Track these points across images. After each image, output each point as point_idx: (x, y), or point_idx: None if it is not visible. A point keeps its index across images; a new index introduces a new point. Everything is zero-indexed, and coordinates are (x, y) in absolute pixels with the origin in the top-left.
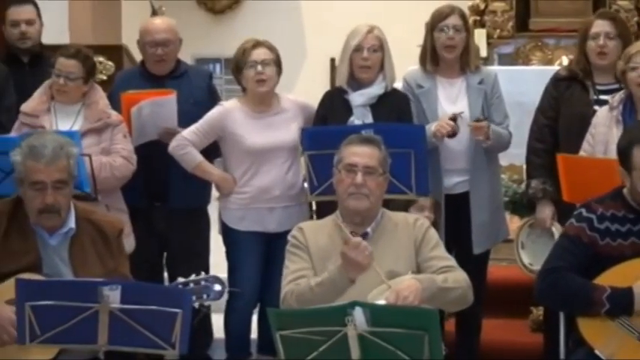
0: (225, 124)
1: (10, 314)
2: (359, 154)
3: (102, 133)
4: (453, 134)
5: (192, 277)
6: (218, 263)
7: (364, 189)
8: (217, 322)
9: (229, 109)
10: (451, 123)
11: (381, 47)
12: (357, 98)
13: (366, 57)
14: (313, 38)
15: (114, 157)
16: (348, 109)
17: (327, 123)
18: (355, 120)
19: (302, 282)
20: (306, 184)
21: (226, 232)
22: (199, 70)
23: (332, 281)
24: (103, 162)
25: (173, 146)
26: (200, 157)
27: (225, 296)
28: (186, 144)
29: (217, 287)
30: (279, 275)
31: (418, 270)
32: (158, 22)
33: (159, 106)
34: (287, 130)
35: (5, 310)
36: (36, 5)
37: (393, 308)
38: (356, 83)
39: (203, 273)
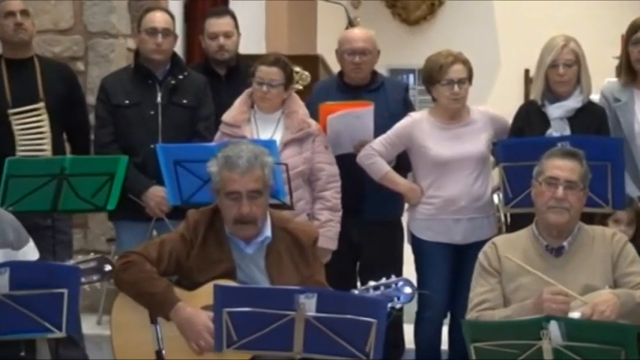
0: (412, 135)
1: (206, 321)
2: (561, 167)
3: (303, 143)
4: None
5: (383, 280)
6: (412, 273)
7: (565, 203)
8: (408, 332)
9: (417, 120)
10: None
11: (576, 61)
12: (555, 111)
13: (562, 73)
14: (507, 49)
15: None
16: (545, 122)
17: (524, 135)
18: (554, 132)
19: (487, 313)
20: (495, 196)
21: (414, 242)
22: (395, 83)
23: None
24: None
25: (361, 156)
26: (387, 168)
27: (415, 305)
28: (373, 154)
29: (408, 290)
30: (469, 287)
31: (615, 285)
32: (357, 31)
33: (355, 118)
34: (475, 142)
35: (202, 316)
36: (234, 17)
37: (589, 322)
38: (552, 96)
39: (393, 276)
